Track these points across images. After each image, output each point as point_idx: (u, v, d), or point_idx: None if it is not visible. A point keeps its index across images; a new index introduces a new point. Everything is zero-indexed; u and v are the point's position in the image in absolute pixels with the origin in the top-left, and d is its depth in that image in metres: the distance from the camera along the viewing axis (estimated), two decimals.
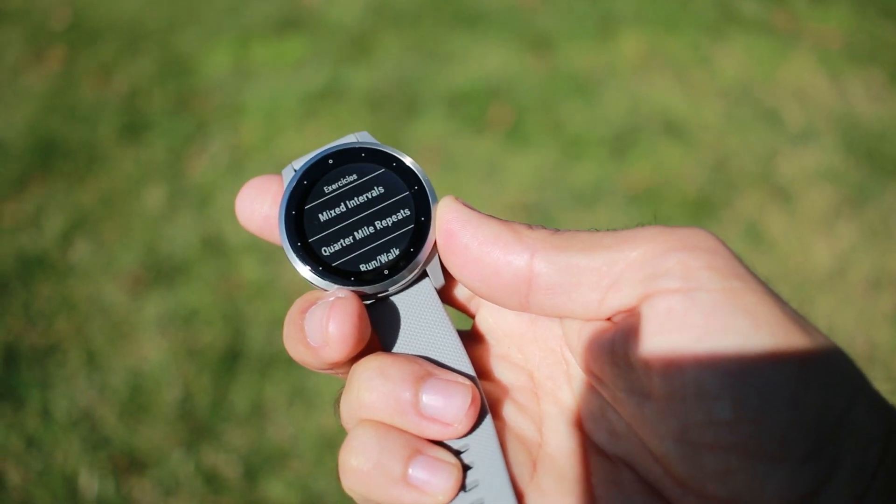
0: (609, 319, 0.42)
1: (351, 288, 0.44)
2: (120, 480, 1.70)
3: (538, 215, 2.20)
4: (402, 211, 0.46)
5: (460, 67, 2.79)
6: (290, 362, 1.86)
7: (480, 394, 0.42)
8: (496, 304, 0.45)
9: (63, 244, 2.23)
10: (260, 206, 0.47)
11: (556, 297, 0.42)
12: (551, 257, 0.41)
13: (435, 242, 0.46)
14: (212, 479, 1.69)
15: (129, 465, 1.72)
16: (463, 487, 0.41)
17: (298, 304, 0.43)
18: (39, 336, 1.99)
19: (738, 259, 0.39)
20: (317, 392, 1.82)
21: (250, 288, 2.06)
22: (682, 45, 2.81)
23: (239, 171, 2.41)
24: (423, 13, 3.07)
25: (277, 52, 2.91)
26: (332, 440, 1.74)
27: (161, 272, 2.11)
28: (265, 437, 1.75)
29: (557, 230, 0.43)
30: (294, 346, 0.43)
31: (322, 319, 0.41)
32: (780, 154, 2.36)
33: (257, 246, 2.15)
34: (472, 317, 0.49)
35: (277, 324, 1.95)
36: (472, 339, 0.48)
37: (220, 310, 2.01)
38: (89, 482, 1.70)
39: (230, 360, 1.89)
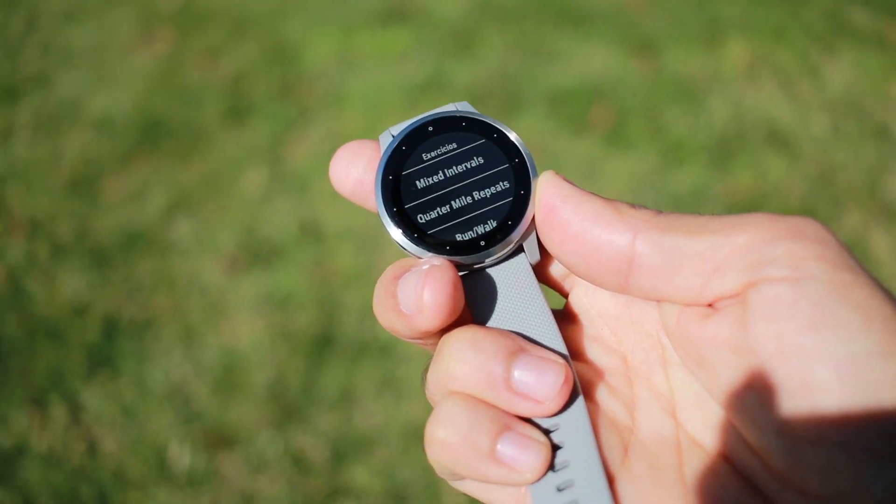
0: (710, 305, 0.40)
1: (446, 257, 0.43)
2: (211, 454, 1.73)
3: None
4: (501, 183, 0.45)
5: (563, 66, 2.77)
6: (381, 351, 1.88)
7: (573, 373, 0.41)
8: (594, 283, 0.43)
9: (165, 221, 2.27)
10: (354, 170, 0.46)
11: (657, 280, 0.40)
12: (654, 238, 0.40)
13: (533, 217, 0.44)
14: (299, 461, 1.70)
15: (219, 440, 1.75)
16: (552, 467, 0.40)
17: (391, 270, 0.42)
18: (138, 309, 2.03)
19: (849, 251, 0.38)
20: (406, 382, 1.82)
21: (345, 275, 2.07)
22: (789, 55, 2.75)
23: None
24: (528, 10, 3.06)
25: (382, 43, 2.93)
26: (419, 431, 1.74)
27: (258, 254, 2.14)
28: (353, 424, 1.76)
29: (661, 211, 0.42)
30: (385, 313, 0.42)
31: (417, 286, 0.40)
32: (889, 171, 2.30)
33: (354, 233, 2.17)
34: (566, 295, 0.47)
35: (370, 312, 1.96)
36: (564, 318, 0.46)
37: (314, 295, 2.03)
38: (180, 454, 1.73)
39: (322, 345, 1.91)
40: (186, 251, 2.17)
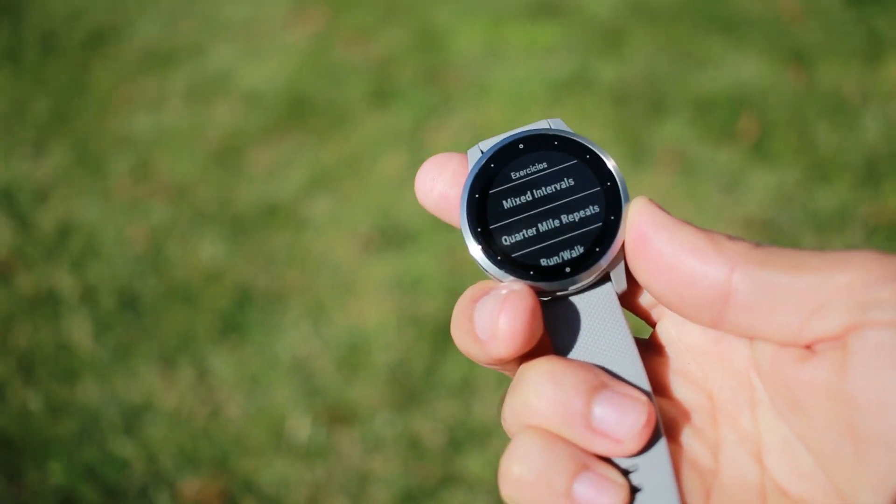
0: (808, 347, 0.37)
1: (528, 282, 0.41)
2: (329, 429, 1.75)
3: (775, 234, 2.12)
4: (590, 207, 0.43)
5: (712, 73, 2.71)
6: None
7: (656, 412, 0.39)
8: (685, 317, 0.41)
9: (303, 197, 2.31)
10: (441, 185, 0.44)
11: (753, 317, 0.38)
12: (752, 273, 0.37)
13: (622, 244, 0.42)
14: (415, 444, 1.71)
15: (339, 416, 1.77)
16: None
17: (470, 292, 0.40)
18: (271, 281, 2.07)
19: None
20: None
21: (476, 266, 2.07)
22: None
23: None
24: (681, 13, 3.00)
25: (530, 36, 2.91)
26: None
27: (392, 237, 2.16)
28: (471, 413, 1.76)
29: (760, 244, 0.39)
30: (461, 337, 0.40)
31: (493, 311, 0.38)
32: None
33: None
34: (653, 325, 0.45)
35: None
36: (650, 349, 0.44)
37: (444, 282, 2.03)
38: (300, 426, 1.75)
39: (447, 332, 1.91)
40: (321, 228, 2.20)
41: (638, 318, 0.45)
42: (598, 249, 0.42)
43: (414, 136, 2.50)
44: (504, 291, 0.39)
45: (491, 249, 0.42)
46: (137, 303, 2.04)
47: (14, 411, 1.82)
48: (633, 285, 0.43)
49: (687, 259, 0.39)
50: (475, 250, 0.42)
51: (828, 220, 2.15)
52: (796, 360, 0.37)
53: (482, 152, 0.44)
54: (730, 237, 0.40)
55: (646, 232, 0.40)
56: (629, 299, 0.44)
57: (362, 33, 2.97)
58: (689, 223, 0.40)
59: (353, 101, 2.66)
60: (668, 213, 0.41)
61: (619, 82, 2.68)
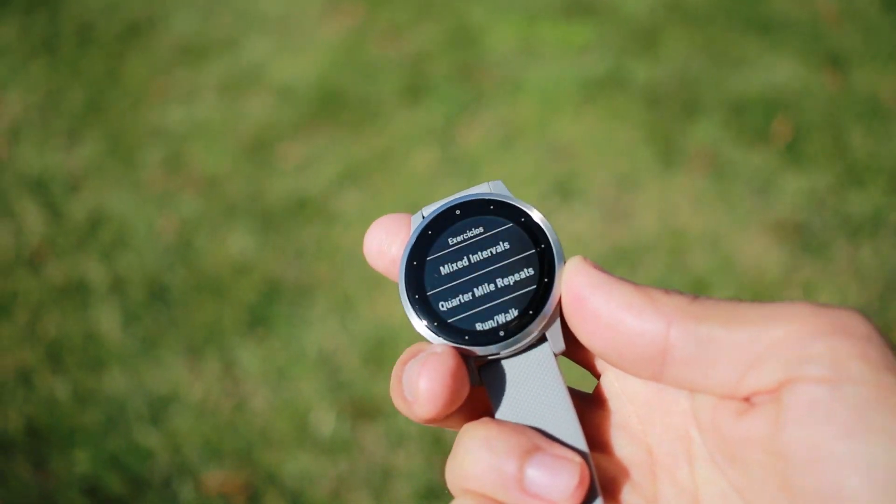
0: (746, 399, 0.38)
1: (464, 347, 0.42)
2: (354, 424, 1.74)
3: (807, 237, 2.09)
4: (525, 270, 0.43)
5: (747, 74, 2.68)
6: None
7: (591, 472, 0.39)
8: (626, 372, 0.41)
9: (333, 191, 2.31)
10: (388, 248, 0.45)
11: (692, 371, 0.38)
12: (689, 328, 0.38)
13: (558, 305, 0.42)
14: (439, 441, 1.70)
15: (364, 411, 1.76)
16: None
17: (404, 354, 0.42)
18: (299, 274, 2.07)
19: (892, 348, 0.36)
20: None
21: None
22: None
23: (509, 147, 2.42)
24: (717, 14, 2.98)
25: (564, 34, 2.90)
26: None
27: None
28: None
29: (696, 297, 0.39)
30: (395, 398, 0.41)
31: (415, 374, 0.39)
32: None
33: None
34: (598, 377, 0.45)
35: None
36: (593, 403, 0.44)
37: None
38: (325, 420, 1.75)
39: None
40: (351, 222, 2.20)
41: (584, 370, 0.46)
42: (531, 312, 0.42)
43: (445, 133, 2.49)
44: (427, 353, 0.40)
45: (428, 316, 0.43)
46: (166, 294, 2.04)
47: (41, 400, 1.83)
48: (573, 340, 0.43)
49: (624, 317, 0.39)
50: (413, 317, 0.43)
51: (860, 225, 2.12)
52: (734, 414, 0.38)
53: (423, 217, 0.45)
54: (666, 291, 0.40)
55: (582, 293, 0.41)
56: (574, 352, 0.45)
57: (396, 29, 2.97)
58: (625, 280, 0.40)
59: (385, 97, 2.66)
60: (604, 272, 0.41)
61: (653, 83, 2.65)
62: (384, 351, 1.87)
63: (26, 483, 1.67)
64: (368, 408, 1.77)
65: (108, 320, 1.98)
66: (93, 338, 1.95)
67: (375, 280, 2.03)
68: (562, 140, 2.44)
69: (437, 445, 1.69)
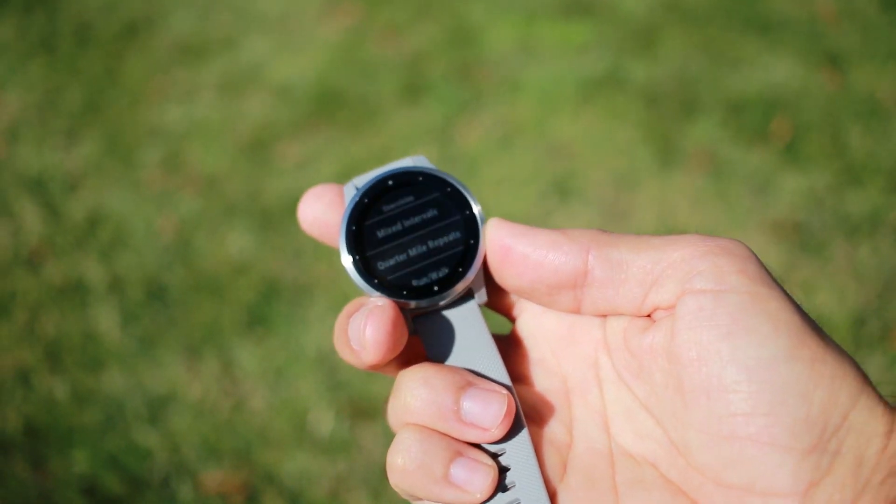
0: (649, 316, 0.45)
1: (402, 300, 0.48)
2: (352, 424, 1.74)
3: (806, 237, 2.09)
4: (453, 233, 0.49)
5: (746, 74, 2.68)
6: None
7: (516, 402, 0.45)
8: (550, 306, 0.48)
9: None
10: (322, 214, 0.51)
11: (606, 292, 0.45)
12: (604, 253, 0.45)
13: (482, 263, 0.49)
14: None
15: (362, 411, 1.76)
16: (500, 488, 0.44)
17: (347, 308, 0.47)
18: (299, 274, 2.07)
19: (767, 269, 0.43)
20: None
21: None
22: None
23: (508, 146, 2.42)
24: (715, 14, 2.98)
25: (563, 34, 2.90)
26: None
27: None
28: None
29: (605, 230, 0.47)
30: (341, 348, 0.46)
31: (361, 324, 0.45)
32: None
33: (517, 220, 2.15)
34: (513, 321, 0.52)
35: None
36: (511, 344, 0.51)
37: None
38: (323, 420, 1.75)
39: None
40: None
41: (501, 317, 0.53)
42: (460, 269, 0.49)
43: (444, 132, 2.49)
44: (369, 306, 0.46)
45: (368, 274, 0.48)
46: (165, 294, 2.04)
47: (40, 399, 1.83)
48: (494, 293, 0.51)
49: (548, 254, 0.46)
50: (354, 275, 0.48)
51: (858, 224, 2.12)
52: (640, 330, 0.45)
53: (356, 188, 0.51)
54: (580, 229, 0.47)
55: (508, 243, 0.47)
56: (494, 302, 0.52)
57: (395, 28, 2.97)
58: (539, 227, 0.47)
59: (384, 96, 2.66)
60: (521, 224, 0.48)
61: (652, 82, 2.65)
62: None
63: (25, 483, 1.67)
64: (367, 407, 1.77)
65: (106, 320, 1.98)
66: (91, 337, 1.95)
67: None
68: (560, 139, 2.44)
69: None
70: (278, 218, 2.23)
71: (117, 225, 2.24)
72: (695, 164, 2.32)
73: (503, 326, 0.53)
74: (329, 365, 1.85)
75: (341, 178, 2.34)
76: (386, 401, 0.48)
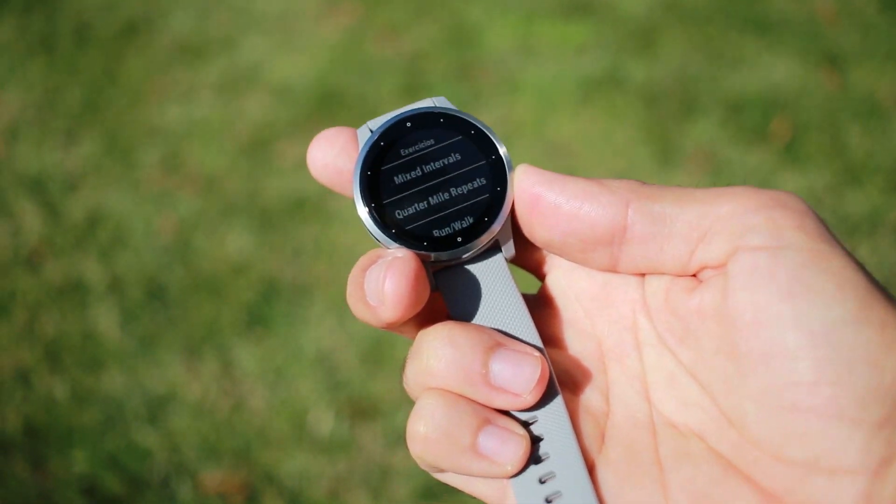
0: (695, 276, 0.41)
1: (422, 252, 0.43)
2: (352, 423, 1.74)
3: None
4: (478, 179, 0.45)
5: (745, 74, 2.68)
6: None
7: (549, 365, 0.41)
8: (584, 262, 0.44)
9: (331, 190, 2.31)
10: (333, 160, 0.46)
11: (648, 248, 0.41)
12: (646, 207, 0.41)
13: (510, 213, 0.45)
14: None
15: (362, 410, 1.76)
16: (533, 459, 0.40)
17: (361, 260, 0.43)
18: (298, 273, 2.07)
19: (826, 225, 0.39)
20: None
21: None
22: None
23: (507, 146, 2.41)
24: (715, 13, 2.98)
25: (562, 34, 2.90)
26: None
27: None
28: None
29: (646, 182, 0.42)
30: (355, 304, 0.42)
31: (379, 278, 0.40)
32: None
33: None
34: (542, 279, 0.47)
35: None
36: (540, 303, 0.47)
37: None
38: (324, 419, 1.75)
39: None
40: (349, 221, 2.20)
41: (528, 274, 0.48)
42: (486, 219, 0.44)
43: None
44: (388, 258, 0.41)
45: (385, 223, 0.44)
46: (164, 294, 2.04)
47: (40, 399, 1.83)
48: (522, 247, 0.46)
49: (583, 204, 0.41)
50: (370, 225, 0.44)
51: (858, 224, 2.13)
52: (686, 291, 0.41)
53: (371, 131, 0.46)
54: (616, 179, 0.42)
55: (539, 191, 0.42)
56: (520, 258, 0.47)
57: (394, 28, 2.97)
58: (573, 175, 0.43)
59: (383, 96, 2.66)
60: (553, 172, 0.43)
61: (651, 82, 2.66)
62: (382, 350, 1.87)
63: (25, 483, 1.67)
64: (367, 407, 1.77)
65: (106, 320, 1.98)
66: (91, 337, 1.95)
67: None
68: (560, 139, 2.45)
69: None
70: (278, 218, 2.23)
71: (117, 225, 2.24)
72: (694, 164, 2.32)
73: (531, 285, 0.49)
74: (329, 365, 1.85)
75: None
76: (402, 364, 0.44)
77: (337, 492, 1.64)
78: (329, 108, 2.61)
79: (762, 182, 2.26)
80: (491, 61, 2.79)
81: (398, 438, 1.71)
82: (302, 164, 2.40)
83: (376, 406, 1.76)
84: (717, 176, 2.28)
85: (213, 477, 1.68)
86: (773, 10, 2.96)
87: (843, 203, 2.20)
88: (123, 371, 1.87)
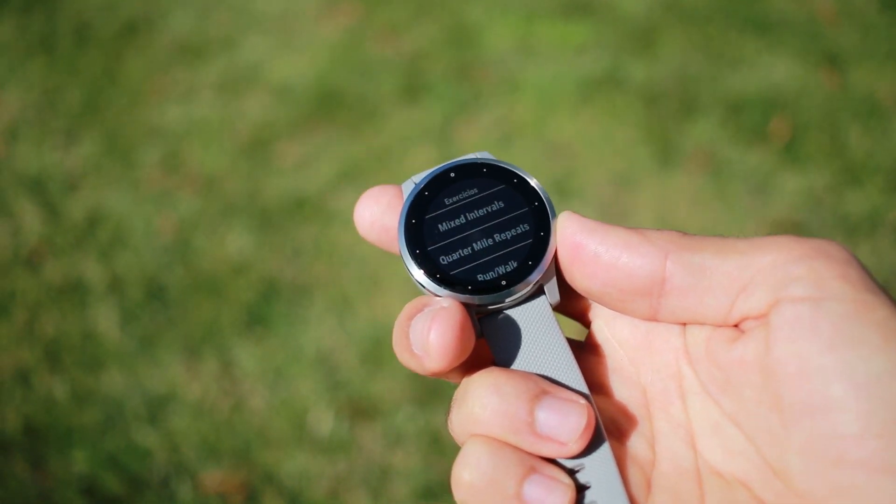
0: (737, 326, 0.41)
1: (466, 297, 0.43)
2: (352, 423, 1.74)
3: (805, 236, 2.09)
4: (521, 225, 0.46)
5: (745, 74, 2.68)
6: None
7: (595, 412, 0.41)
8: (624, 311, 0.44)
9: (331, 190, 2.31)
10: (380, 218, 0.47)
11: (687, 300, 0.41)
12: (685, 258, 0.41)
13: (553, 258, 0.45)
14: (436, 440, 1.70)
15: (361, 410, 1.76)
16: None
17: (407, 310, 0.43)
18: (297, 274, 2.07)
19: (870, 273, 0.39)
20: None
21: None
22: None
23: (507, 146, 2.42)
24: (714, 13, 2.97)
25: (562, 34, 2.90)
26: None
27: None
28: None
29: (687, 233, 0.42)
30: (401, 353, 0.42)
31: (424, 328, 0.41)
32: None
33: None
34: (588, 326, 0.47)
35: None
36: (586, 350, 0.46)
37: None
38: (324, 419, 1.75)
39: None
40: (349, 221, 2.20)
41: (574, 322, 0.48)
42: (530, 263, 0.45)
43: (443, 132, 2.49)
44: (434, 307, 0.41)
45: (430, 269, 0.44)
46: (164, 293, 2.04)
47: (39, 399, 1.83)
48: (566, 293, 0.46)
49: (622, 255, 0.41)
50: (416, 271, 0.44)
51: (858, 224, 2.13)
52: (727, 341, 0.40)
53: (415, 184, 0.47)
54: (657, 229, 0.42)
55: (579, 240, 0.43)
56: (565, 305, 0.47)
57: (394, 28, 2.97)
58: (614, 224, 0.43)
59: (383, 96, 2.66)
60: (595, 220, 0.43)
61: (651, 82, 2.66)
62: (382, 350, 1.87)
63: (24, 483, 1.67)
64: (366, 407, 1.77)
65: (106, 320, 1.98)
66: (91, 337, 1.95)
67: (373, 279, 2.03)
68: (559, 139, 2.45)
69: (436, 445, 1.69)
70: (277, 218, 2.23)
71: (116, 225, 2.24)
72: (694, 164, 2.32)
73: (578, 332, 0.49)
74: (328, 365, 1.85)
75: (341, 178, 2.34)
76: (448, 410, 0.44)
77: (337, 492, 1.64)
78: (329, 108, 2.62)
79: (762, 181, 2.26)
80: (491, 61, 2.79)
81: (398, 438, 1.71)
82: (302, 164, 2.40)
83: (376, 406, 1.76)
84: (717, 176, 2.28)
85: (213, 477, 1.68)
86: (773, 10, 2.96)
87: (843, 203, 2.20)
88: (123, 371, 1.87)
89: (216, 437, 1.74)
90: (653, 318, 0.43)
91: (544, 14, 2.99)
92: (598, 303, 0.45)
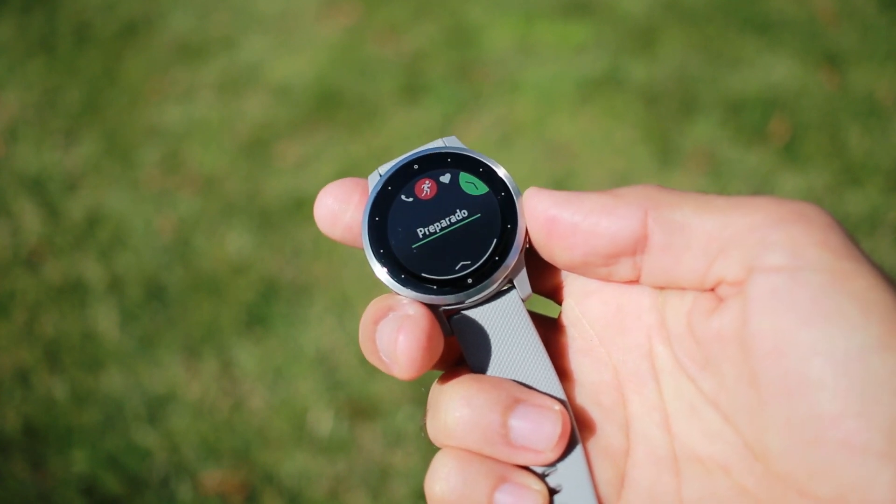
0: (713, 290, 0.39)
1: (431, 297, 0.42)
2: (352, 423, 1.74)
3: None
4: (487, 218, 0.44)
5: (744, 73, 2.68)
6: None
7: (570, 417, 0.40)
8: (608, 278, 0.42)
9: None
10: (342, 215, 0.45)
11: (665, 260, 0.39)
12: (664, 215, 0.39)
13: (523, 251, 0.43)
14: None
15: (361, 410, 1.76)
16: None
17: (371, 312, 0.42)
18: (297, 273, 2.07)
19: (852, 239, 0.36)
20: None
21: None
22: None
23: (507, 146, 2.42)
24: (714, 14, 2.97)
25: (561, 34, 2.89)
26: None
27: None
28: None
29: (660, 186, 0.40)
30: (369, 357, 0.42)
31: (391, 337, 0.40)
32: None
33: None
34: (560, 303, 0.45)
35: None
36: (556, 330, 0.45)
37: None
38: (324, 419, 1.75)
39: None
40: None
41: (548, 300, 0.46)
42: (497, 259, 0.43)
43: (443, 131, 2.49)
44: (400, 314, 0.40)
45: (394, 269, 0.43)
46: (164, 293, 2.04)
47: (39, 399, 1.83)
48: (538, 272, 0.45)
49: (601, 220, 0.40)
50: (380, 272, 0.43)
51: (857, 224, 2.12)
52: (706, 313, 0.39)
53: (380, 175, 0.46)
54: (630, 186, 0.41)
55: (554, 213, 0.41)
56: (535, 285, 0.45)
57: (394, 28, 2.97)
58: (583, 191, 0.41)
59: (383, 96, 2.66)
60: (562, 191, 0.42)
61: (651, 82, 2.65)
62: None
63: (24, 483, 1.67)
64: (366, 407, 1.77)
65: (105, 320, 1.98)
66: (90, 337, 1.95)
67: (373, 279, 2.03)
68: (559, 139, 2.44)
69: (435, 445, 1.69)
70: (277, 218, 2.23)
71: (116, 224, 2.24)
72: (694, 164, 2.32)
73: (551, 310, 0.48)
74: (328, 365, 1.85)
75: (339, 178, 2.33)
76: (424, 413, 0.43)
77: (336, 492, 1.64)
78: (329, 108, 2.62)
79: (762, 181, 2.26)
80: (491, 61, 2.79)
81: (398, 438, 1.71)
82: (301, 164, 2.40)
83: (376, 406, 1.76)
84: (717, 176, 2.28)
85: (213, 477, 1.68)
86: (773, 10, 2.96)
87: (843, 203, 2.19)
88: (123, 371, 1.87)
89: (216, 437, 1.74)
90: (635, 281, 0.41)
91: (544, 14, 2.99)
92: (581, 274, 0.43)
